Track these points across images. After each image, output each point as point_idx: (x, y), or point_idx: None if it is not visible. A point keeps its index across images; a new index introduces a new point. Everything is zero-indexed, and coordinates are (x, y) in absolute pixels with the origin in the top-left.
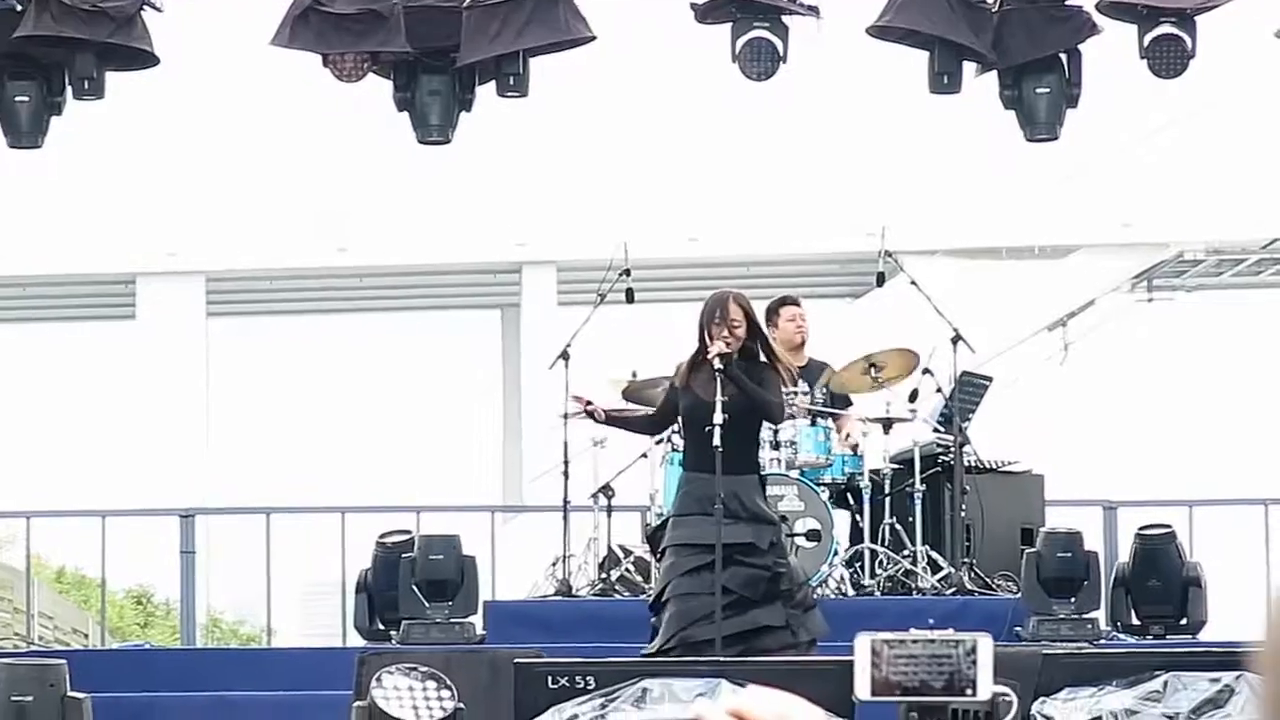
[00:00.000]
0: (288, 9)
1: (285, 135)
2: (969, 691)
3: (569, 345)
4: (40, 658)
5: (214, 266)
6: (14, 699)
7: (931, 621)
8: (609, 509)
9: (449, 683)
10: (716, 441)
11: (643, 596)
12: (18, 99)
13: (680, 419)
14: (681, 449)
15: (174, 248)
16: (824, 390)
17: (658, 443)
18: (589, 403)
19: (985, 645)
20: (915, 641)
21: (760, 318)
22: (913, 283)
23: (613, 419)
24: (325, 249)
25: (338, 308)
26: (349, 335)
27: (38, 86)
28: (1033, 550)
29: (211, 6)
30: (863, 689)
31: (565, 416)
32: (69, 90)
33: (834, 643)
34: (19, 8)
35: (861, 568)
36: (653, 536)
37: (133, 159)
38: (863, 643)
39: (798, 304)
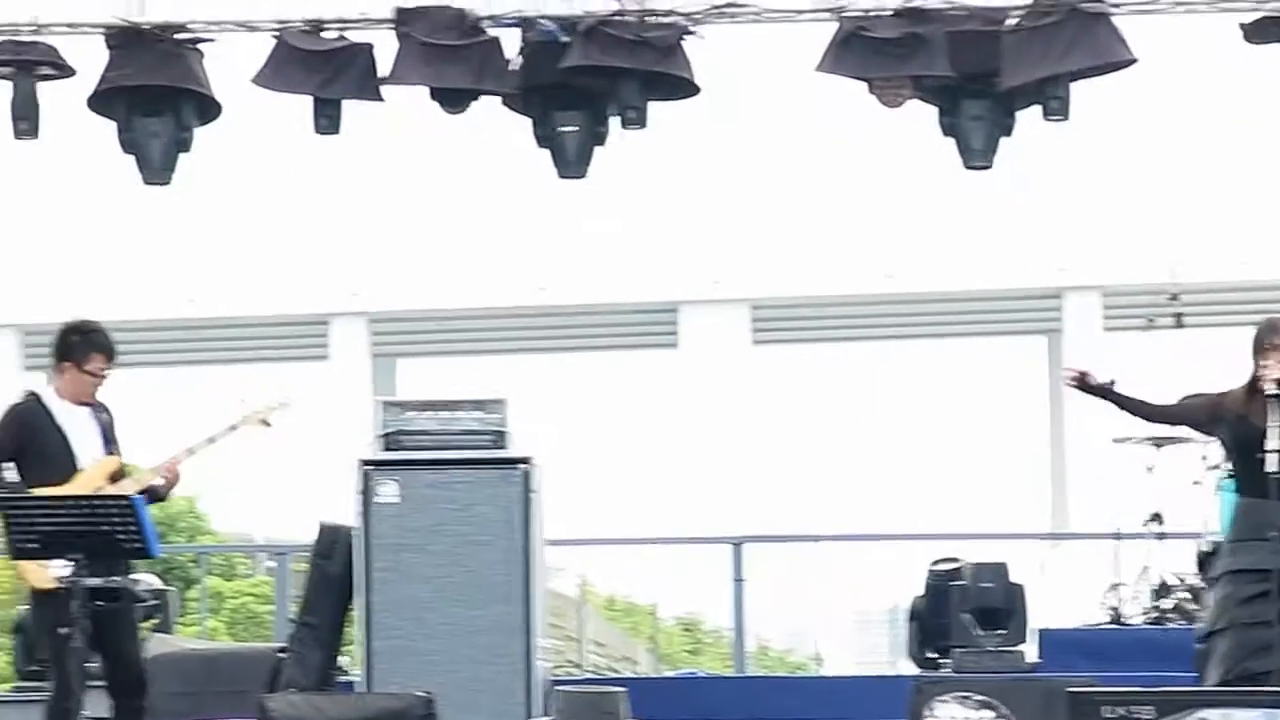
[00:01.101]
0: (832, 36)
1: (828, 161)
2: None
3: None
4: (599, 685)
5: (758, 294)
6: None
7: None
8: (1160, 536)
9: (1005, 711)
10: (1273, 467)
11: (1196, 625)
12: (564, 129)
13: (1233, 445)
14: (1234, 475)
15: (717, 275)
16: None
17: (1209, 469)
18: (1083, 374)
19: None
20: None
21: None
22: None
23: (1107, 392)
24: (870, 275)
25: (881, 334)
26: (893, 362)
27: (584, 116)
28: None
29: (750, 35)
30: None
31: (1116, 441)
32: (611, 120)
33: None
34: (565, 39)
35: None
36: (1205, 563)
37: (675, 187)
38: None
39: None
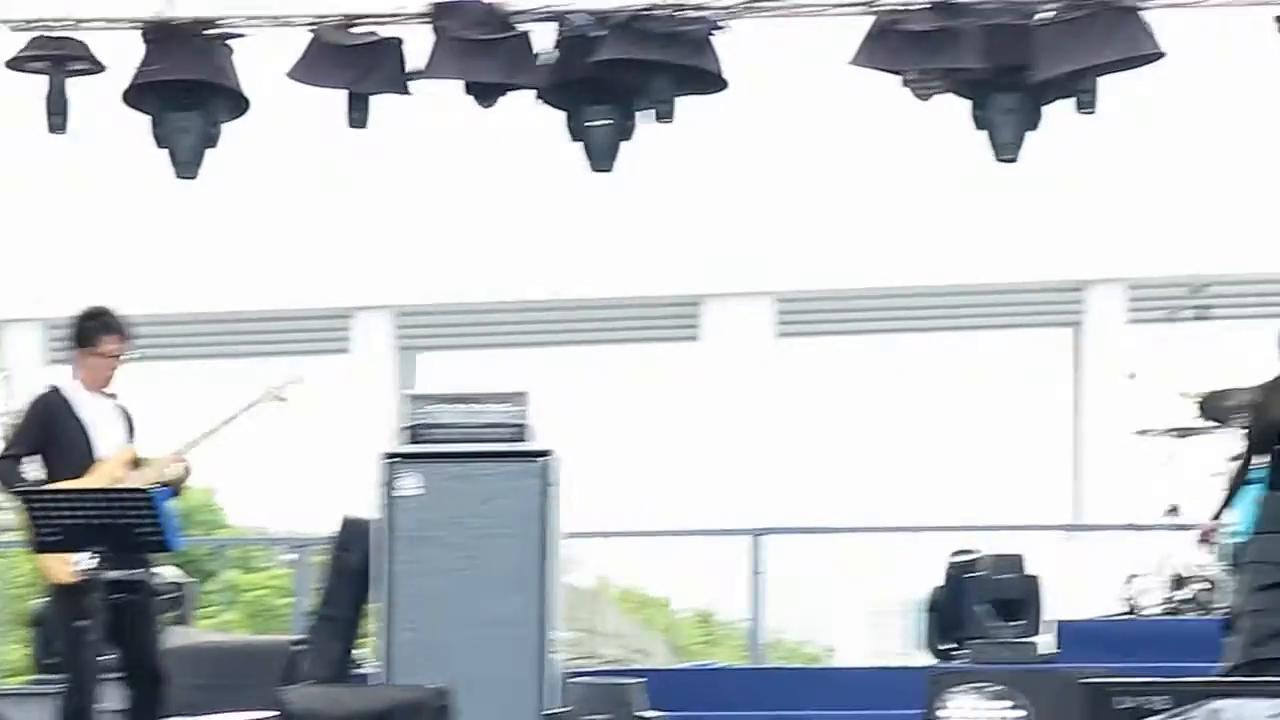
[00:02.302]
0: (867, 30)
1: (852, 155)
2: None
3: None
4: (615, 677)
5: (782, 287)
6: (589, 718)
7: None
8: (1177, 528)
9: (1021, 701)
10: None
11: (1212, 616)
12: (593, 124)
13: (1258, 438)
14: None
15: (741, 268)
16: None
17: (1230, 460)
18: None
19: None
20: None
21: None
22: None
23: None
24: (894, 268)
25: (903, 327)
26: (914, 354)
27: (614, 110)
28: None
29: (780, 29)
30: None
31: (1139, 433)
32: (639, 115)
33: None
34: (599, 33)
35: None
36: (1235, 555)
37: (699, 181)
38: None
39: None
